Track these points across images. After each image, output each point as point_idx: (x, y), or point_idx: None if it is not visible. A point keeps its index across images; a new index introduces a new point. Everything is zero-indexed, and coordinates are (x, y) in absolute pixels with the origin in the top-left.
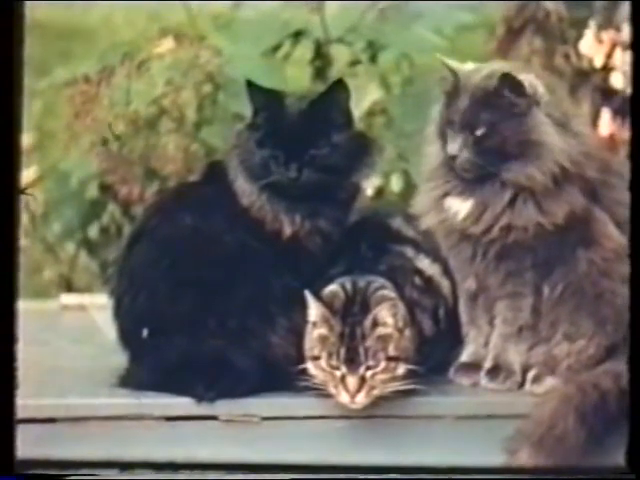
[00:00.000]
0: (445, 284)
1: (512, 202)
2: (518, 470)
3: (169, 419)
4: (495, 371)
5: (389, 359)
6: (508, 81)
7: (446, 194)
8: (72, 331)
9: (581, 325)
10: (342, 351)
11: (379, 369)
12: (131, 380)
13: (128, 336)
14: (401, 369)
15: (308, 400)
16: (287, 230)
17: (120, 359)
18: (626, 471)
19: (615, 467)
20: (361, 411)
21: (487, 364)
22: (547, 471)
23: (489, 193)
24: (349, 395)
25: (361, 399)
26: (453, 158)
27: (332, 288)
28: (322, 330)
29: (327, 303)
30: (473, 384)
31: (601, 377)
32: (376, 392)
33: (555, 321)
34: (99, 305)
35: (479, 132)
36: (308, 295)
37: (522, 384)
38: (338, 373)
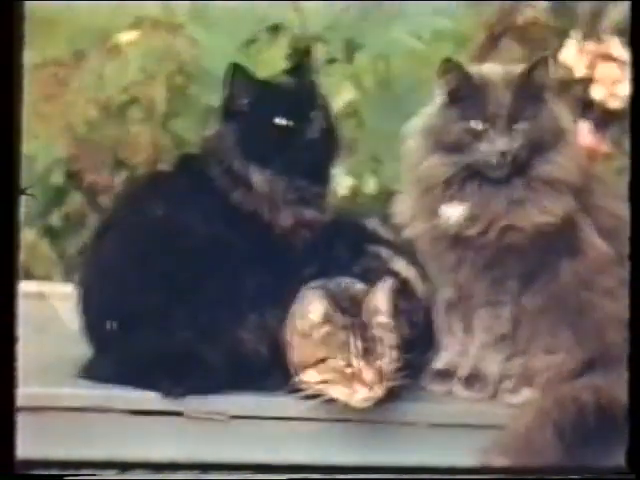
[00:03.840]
0: (421, 287)
1: (515, 202)
2: (517, 470)
3: (134, 413)
4: (471, 379)
5: (393, 348)
6: (543, 62)
7: (443, 201)
8: (31, 319)
9: (560, 338)
10: (355, 343)
11: (389, 358)
12: (95, 372)
13: (94, 328)
14: (402, 359)
15: (278, 400)
16: (286, 221)
17: (82, 350)
18: (626, 471)
19: (615, 467)
20: (331, 414)
21: (463, 372)
22: (546, 471)
23: (494, 193)
24: (367, 389)
25: (378, 392)
26: (503, 154)
27: (316, 289)
28: (325, 328)
29: (329, 298)
30: (447, 392)
31: (580, 391)
32: (388, 384)
33: (534, 332)
34: (60, 294)
35: (522, 125)
36: (308, 294)
37: (497, 394)
38: (350, 370)
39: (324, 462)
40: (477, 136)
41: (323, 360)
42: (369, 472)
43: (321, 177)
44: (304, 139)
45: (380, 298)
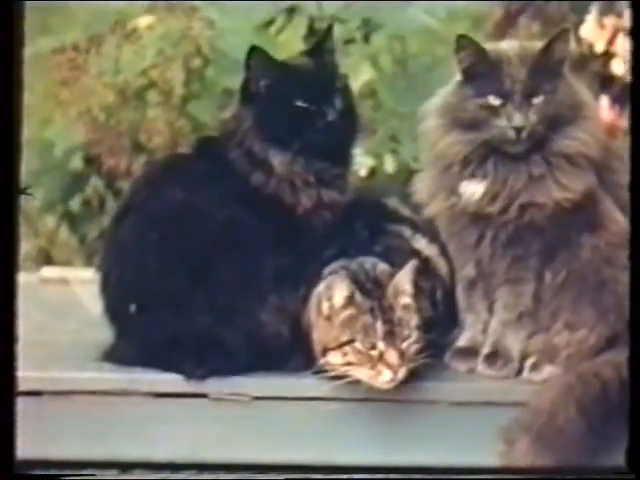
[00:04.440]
0: (442, 265)
1: (534, 178)
2: (515, 470)
3: (157, 395)
4: (493, 357)
5: (416, 329)
6: (563, 36)
7: (462, 179)
8: (53, 304)
9: (582, 314)
10: (379, 325)
11: (412, 340)
12: (117, 356)
13: (115, 311)
14: (425, 338)
15: (300, 381)
16: (306, 203)
17: (104, 334)
18: (626, 471)
19: (615, 467)
20: (354, 394)
21: (485, 350)
22: (545, 471)
23: (513, 170)
24: (392, 371)
25: (401, 374)
26: (519, 131)
27: (339, 271)
28: (348, 311)
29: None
30: (469, 370)
31: (602, 367)
32: (411, 365)
33: (556, 309)
34: (81, 279)
35: (539, 100)
36: (332, 278)
37: (520, 371)
38: (375, 352)
39: (345, 442)
40: (493, 112)
41: (347, 343)
42: (384, 472)
43: (341, 158)
44: (324, 122)
45: (404, 280)
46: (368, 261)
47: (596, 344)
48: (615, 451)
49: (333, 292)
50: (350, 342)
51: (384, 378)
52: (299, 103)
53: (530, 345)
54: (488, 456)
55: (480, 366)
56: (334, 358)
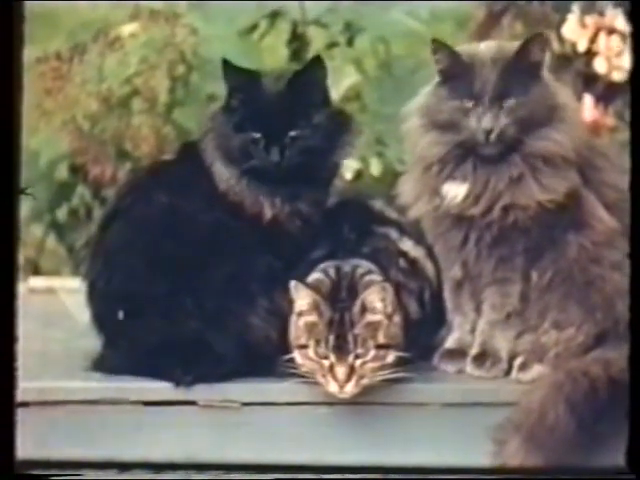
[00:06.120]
0: (429, 266)
1: (515, 180)
2: (507, 470)
3: (146, 404)
4: (481, 358)
5: (378, 347)
6: (538, 39)
7: (444, 180)
8: (41, 314)
9: (570, 312)
10: (331, 339)
11: (369, 358)
12: (106, 364)
13: (102, 319)
14: (390, 357)
15: (290, 386)
16: (267, 213)
17: (92, 343)
18: (626, 471)
19: (615, 467)
20: (343, 398)
21: (473, 351)
22: (546, 471)
23: (493, 171)
24: (338, 385)
25: (350, 388)
26: (488, 133)
27: (317, 275)
28: (310, 317)
29: (315, 289)
30: (458, 371)
31: (591, 365)
32: (365, 381)
33: (544, 308)
34: (68, 288)
35: (510, 102)
36: (296, 283)
37: (509, 371)
38: (326, 362)
39: (335, 446)
40: (466, 114)
41: (303, 346)
42: (375, 472)
43: (309, 177)
44: (267, 159)
45: (373, 298)
46: (358, 265)
47: (584, 342)
48: (610, 450)
49: (299, 294)
50: (305, 347)
51: (332, 389)
52: (251, 132)
53: (518, 345)
54: (479, 457)
55: (469, 367)
56: (297, 357)
